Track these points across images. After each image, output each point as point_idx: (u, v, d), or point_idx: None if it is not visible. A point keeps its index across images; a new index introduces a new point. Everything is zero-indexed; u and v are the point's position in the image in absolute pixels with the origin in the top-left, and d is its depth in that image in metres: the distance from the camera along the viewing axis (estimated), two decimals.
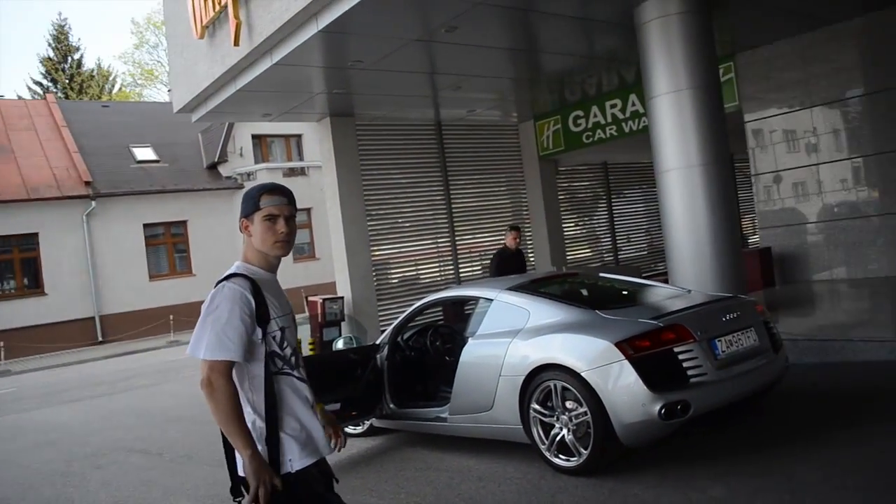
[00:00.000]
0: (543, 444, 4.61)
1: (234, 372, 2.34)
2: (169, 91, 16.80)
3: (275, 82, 9.62)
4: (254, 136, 25.11)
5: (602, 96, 13.32)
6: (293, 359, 2.47)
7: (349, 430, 6.23)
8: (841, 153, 10.82)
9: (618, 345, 4.22)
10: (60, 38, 39.56)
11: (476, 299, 5.55)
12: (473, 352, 5.14)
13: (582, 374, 4.31)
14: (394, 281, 13.09)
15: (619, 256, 17.00)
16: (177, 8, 10.68)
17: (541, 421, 4.63)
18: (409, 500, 4.48)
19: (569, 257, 15.50)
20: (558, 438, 4.52)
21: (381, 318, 12.32)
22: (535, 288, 5.36)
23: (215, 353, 2.29)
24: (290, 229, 2.48)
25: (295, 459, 2.36)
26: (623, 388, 4.17)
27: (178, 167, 24.37)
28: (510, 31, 9.02)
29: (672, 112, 8.22)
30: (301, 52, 8.44)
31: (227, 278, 2.40)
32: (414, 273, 13.54)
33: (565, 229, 15.56)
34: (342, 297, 11.49)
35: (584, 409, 4.33)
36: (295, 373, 2.46)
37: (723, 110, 8.52)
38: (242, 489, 2.35)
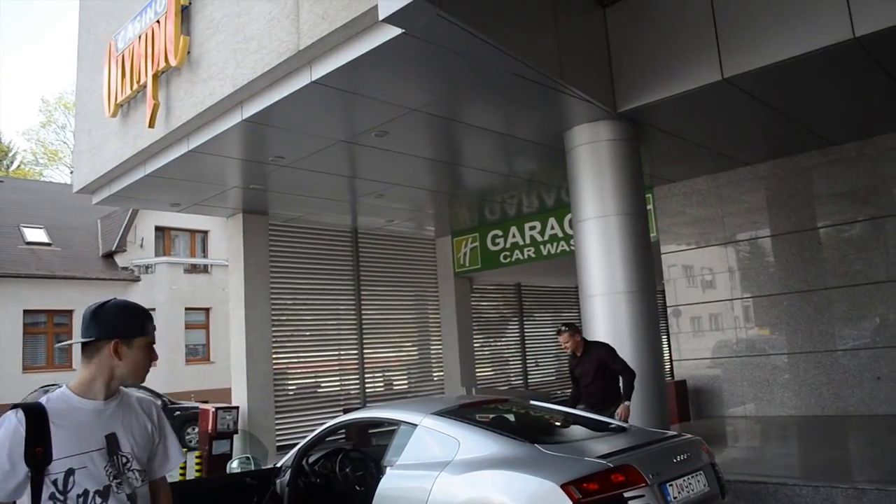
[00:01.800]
0: None
1: None
2: (71, 173, 15.87)
3: (188, 170, 9.06)
4: (157, 228, 23.99)
5: (522, 217, 13.33)
6: (84, 502, 2.15)
7: None
8: (752, 290, 11.01)
9: (564, 486, 3.70)
10: None
11: (397, 423, 4.93)
12: (393, 483, 4.49)
13: None
14: (294, 390, 12.25)
15: (529, 380, 16.66)
16: (90, 81, 10.10)
17: None
18: None
19: (478, 378, 15.03)
20: None
21: (277, 433, 11.41)
22: (465, 413, 4.81)
23: None
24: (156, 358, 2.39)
25: None
26: None
27: (71, 252, 22.89)
28: (438, 142, 8.85)
29: (599, 237, 8.09)
30: (220, 140, 7.98)
31: (14, 408, 2.18)
32: (316, 384, 12.75)
33: (476, 349, 15.17)
34: (237, 408, 10.54)
35: None
36: None
37: (649, 238, 8.47)
38: None
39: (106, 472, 2.20)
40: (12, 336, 20.65)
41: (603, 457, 3.98)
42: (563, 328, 7.26)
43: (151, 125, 8.26)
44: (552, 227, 12.92)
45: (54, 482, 2.11)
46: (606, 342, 7.34)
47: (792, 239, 10.63)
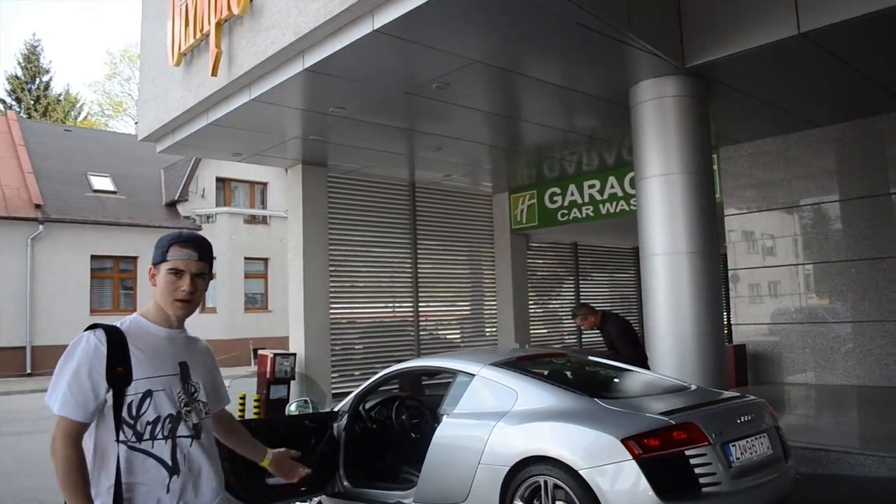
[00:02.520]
0: None
1: (86, 437, 2.13)
2: (136, 123, 16.16)
3: (249, 120, 9.11)
4: (218, 179, 24.43)
5: (581, 175, 13.11)
6: (153, 430, 2.15)
7: None
8: (818, 256, 10.67)
9: (624, 441, 3.67)
10: (31, 59, 38.78)
11: (454, 372, 4.94)
12: (449, 432, 4.52)
13: (580, 471, 3.73)
14: (350, 343, 12.42)
15: (583, 339, 16.57)
16: (155, 31, 10.17)
17: None
18: None
19: (531, 336, 15.01)
20: None
21: (333, 381, 11.61)
22: (522, 365, 4.79)
23: (61, 407, 2.09)
24: (195, 288, 2.26)
25: None
26: (628, 493, 3.60)
27: (135, 201, 23.50)
28: (498, 95, 8.68)
29: (662, 195, 7.89)
30: (282, 90, 7.97)
31: (92, 328, 2.19)
32: (371, 337, 12.89)
33: (530, 307, 15.11)
34: (294, 355, 10.75)
35: None
36: (150, 448, 2.14)
37: (713, 198, 8.24)
38: None
39: (178, 399, 2.21)
40: (80, 280, 21.43)
41: (665, 413, 3.93)
42: (576, 311, 7.32)
43: (214, 74, 8.29)
44: (612, 186, 12.68)
45: (129, 405, 2.11)
46: (620, 316, 7.35)
47: (863, 204, 10.23)
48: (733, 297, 11.62)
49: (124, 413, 2.10)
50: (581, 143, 10.97)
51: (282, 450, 2.87)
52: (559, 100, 8.78)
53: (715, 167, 11.30)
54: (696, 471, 3.70)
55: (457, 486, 4.31)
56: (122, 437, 2.09)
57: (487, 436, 4.23)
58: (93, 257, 21.81)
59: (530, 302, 15.09)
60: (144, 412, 2.13)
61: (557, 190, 13.57)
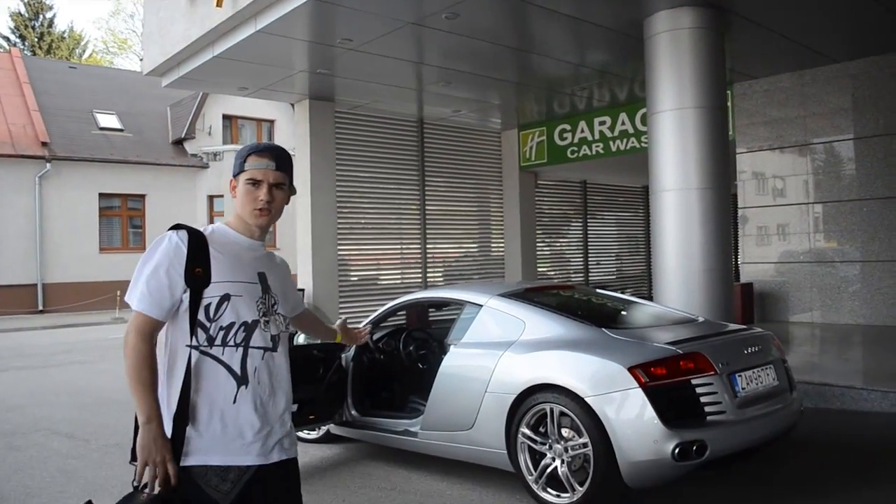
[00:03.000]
0: (531, 474, 4.03)
1: (160, 335, 2.12)
2: (141, 60, 15.94)
3: (256, 53, 8.96)
4: (225, 116, 24.22)
5: (591, 112, 12.92)
6: (225, 335, 2.10)
7: (303, 434, 5.60)
8: (829, 195, 10.57)
9: (631, 370, 3.68)
10: None
11: (462, 303, 4.95)
12: (457, 361, 4.55)
13: (586, 399, 3.76)
14: (356, 279, 12.46)
15: (590, 278, 16.60)
16: None
17: (530, 448, 4.06)
18: None
19: (539, 274, 15.04)
20: (549, 470, 3.95)
21: (340, 316, 11.68)
22: (530, 296, 4.79)
23: (139, 303, 2.07)
24: (273, 198, 2.22)
25: (192, 454, 2.06)
26: (634, 421, 3.63)
27: (142, 138, 23.38)
28: (509, 26, 8.48)
29: (674, 130, 7.78)
30: (289, 21, 7.81)
31: (173, 228, 2.17)
32: (379, 274, 12.93)
33: (538, 245, 15.10)
34: (303, 290, 10.83)
35: (585, 439, 3.77)
36: (220, 354, 2.09)
37: (727, 134, 8.12)
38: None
39: (257, 307, 2.17)
40: (89, 218, 21.49)
41: (672, 343, 3.93)
42: None
43: (219, 5, 8.13)
44: (623, 123, 12.51)
45: (205, 307, 2.08)
46: None
47: (878, 143, 10.08)
48: (742, 237, 11.57)
49: (200, 315, 2.08)
50: (592, 77, 10.78)
51: (340, 321, 3.22)
52: (572, 32, 8.60)
53: (728, 104, 11.14)
54: (702, 400, 3.72)
55: (463, 414, 4.36)
56: (194, 342, 2.07)
57: (495, 365, 4.25)
58: (101, 195, 21.82)
59: (538, 240, 15.07)
60: (220, 316, 2.09)
61: (567, 127, 13.40)
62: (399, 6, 7.62)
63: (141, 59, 16.48)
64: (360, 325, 5.34)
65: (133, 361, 2.03)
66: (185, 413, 2.03)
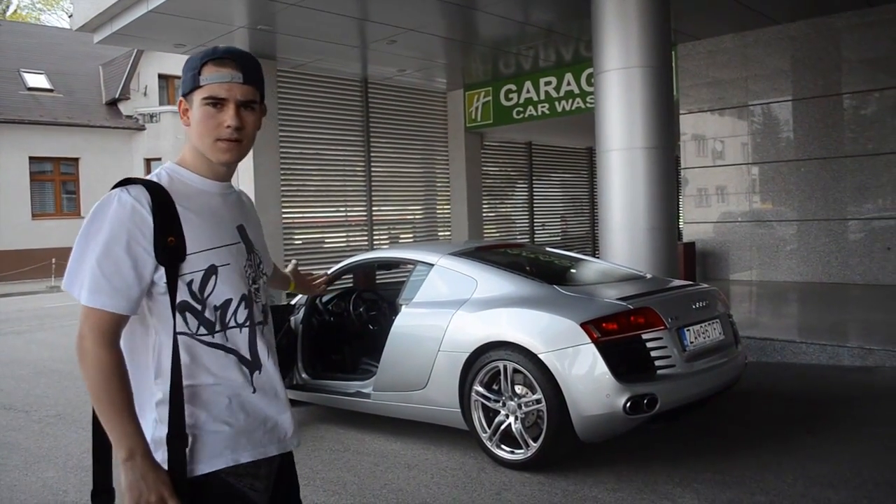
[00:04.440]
0: (485, 432, 4.04)
1: (126, 331, 1.58)
2: (70, 16, 15.20)
3: (192, 7, 8.62)
4: (161, 76, 23.37)
5: (537, 72, 12.87)
6: (223, 317, 1.64)
7: None
8: (770, 156, 10.80)
9: (583, 326, 3.69)
10: None
11: (413, 263, 4.90)
12: (408, 321, 4.51)
13: (539, 355, 3.77)
14: (301, 243, 12.28)
15: (535, 240, 16.71)
16: None
17: (483, 406, 4.06)
18: (328, 489, 3.83)
19: (485, 236, 15.07)
20: (503, 427, 3.96)
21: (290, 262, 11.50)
22: (482, 256, 4.76)
23: (91, 295, 1.52)
24: (243, 122, 1.65)
25: (204, 460, 1.59)
26: (586, 376, 3.65)
27: (73, 99, 22.43)
28: None
29: (620, 90, 7.77)
30: None
31: (121, 185, 1.60)
32: (324, 237, 12.77)
33: (484, 207, 15.10)
34: None
35: (538, 395, 3.78)
36: (225, 341, 1.64)
37: (672, 93, 8.17)
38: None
39: (246, 274, 1.72)
40: (19, 184, 20.62)
41: (623, 299, 3.96)
42: None
43: None
44: (568, 84, 12.50)
45: (189, 284, 1.60)
46: None
47: (816, 104, 10.30)
48: (683, 197, 11.77)
49: (184, 295, 1.59)
50: (538, 36, 10.71)
51: (291, 266, 2.57)
52: None
53: (672, 64, 11.23)
54: (652, 354, 3.77)
55: (416, 374, 4.34)
56: (183, 329, 1.60)
57: (447, 324, 4.23)
58: (31, 159, 20.92)
59: (484, 202, 15.06)
60: (211, 293, 1.62)
61: (513, 87, 13.34)
62: None
63: (70, 16, 15.76)
64: (317, 274, 5.26)
65: (96, 377, 1.51)
66: (180, 424, 1.56)
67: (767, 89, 10.73)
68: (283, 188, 11.60)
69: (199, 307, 1.61)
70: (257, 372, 1.69)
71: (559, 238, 17.72)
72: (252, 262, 1.75)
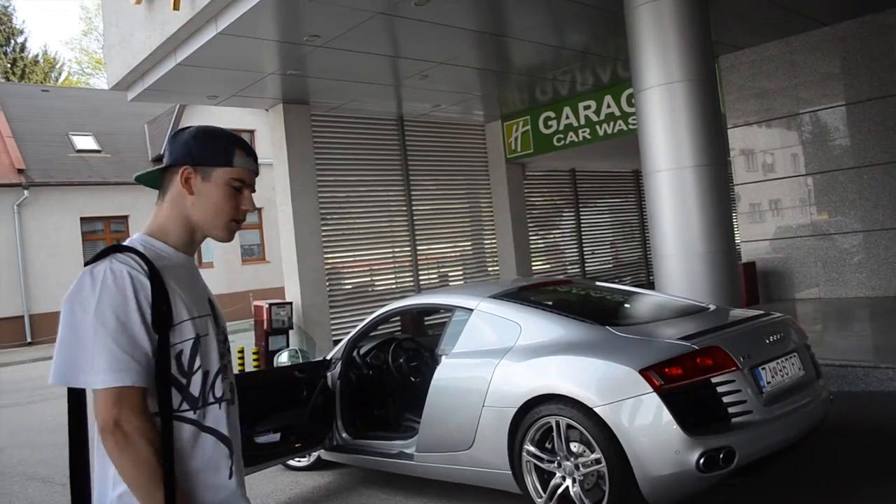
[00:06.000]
0: (540, 496, 3.61)
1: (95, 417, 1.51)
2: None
3: (220, 57, 8.53)
4: None
5: (575, 96, 12.53)
6: (205, 392, 1.57)
7: (292, 462, 5.19)
8: (828, 165, 10.21)
9: (643, 372, 3.27)
10: (3, 20, 37.52)
11: (451, 308, 4.53)
12: (449, 374, 4.13)
13: (595, 409, 3.35)
14: (348, 288, 12.03)
15: (586, 269, 16.20)
16: None
17: (537, 467, 3.64)
18: None
19: (534, 269, 14.64)
20: (560, 491, 3.54)
21: (332, 328, 11.26)
22: (524, 296, 4.37)
23: (116, 377, 1.43)
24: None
25: None
26: (650, 430, 3.22)
27: (120, 158, 22.87)
28: (484, 9, 8.08)
29: (663, 107, 7.36)
30: (250, 19, 7.39)
31: (104, 255, 1.54)
32: (370, 280, 12.50)
33: (530, 239, 14.69)
34: (290, 303, 10.40)
35: (597, 454, 3.36)
36: (203, 418, 1.56)
37: (718, 106, 7.72)
38: None
39: (219, 347, 1.66)
40: (72, 243, 20.99)
41: (686, 338, 3.52)
42: None
43: (176, 7, 7.72)
44: (608, 106, 12.11)
45: (178, 356, 1.53)
46: None
47: (874, 106, 9.71)
48: (737, 214, 11.19)
49: (174, 370, 1.52)
50: (573, 60, 10.38)
51: None
52: (549, 11, 8.22)
53: (716, 77, 10.77)
54: (725, 400, 3.32)
55: (461, 432, 3.94)
56: (167, 406, 1.51)
57: (490, 375, 3.84)
58: (82, 219, 21.32)
59: (530, 234, 14.66)
60: (196, 367, 1.56)
61: (552, 114, 13.00)
62: None
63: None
64: (342, 342, 4.94)
65: (144, 455, 1.42)
66: None
67: (819, 95, 10.17)
68: (324, 233, 11.40)
69: (184, 381, 1.54)
70: (233, 454, 1.61)
71: (610, 266, 17.16)
72: (222, 335, 1.70)
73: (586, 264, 16.26)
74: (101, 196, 21.51)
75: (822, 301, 10.03)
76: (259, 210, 23.57)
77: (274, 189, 11.45)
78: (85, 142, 22.93)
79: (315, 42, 8.31)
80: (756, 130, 10.90)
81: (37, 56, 38.94)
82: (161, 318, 1.49)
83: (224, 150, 1.64)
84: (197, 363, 1.55)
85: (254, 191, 1.72)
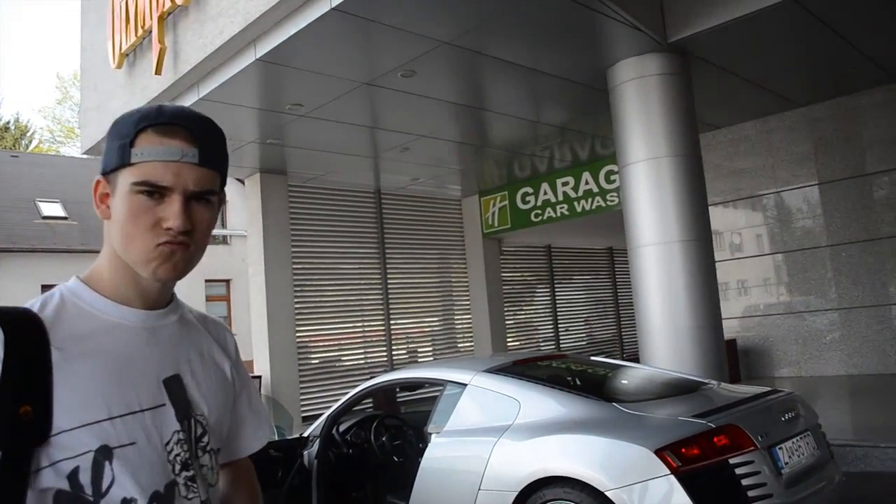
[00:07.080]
0: None
1: None
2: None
3: None
4: None
5: (553, 173, 12.56)
6: None
7: None
8: (805, 242, 10.24)
9: (659, 453, 3.03)
10: None
11: (441, 383, 4.26)
12: (440, 453, 3.83)
13: (606, 492, 3.08)
14: (318, 363, 11.64)
15: (560, 345, 15.97)
16: (95, 36, 9.42)
17: None
18: None
19: (508, 346, 14.37)
20: None
21: (303, 403, 10.84)
22: (522, 371, 4.12)
23: None
24: (194, 223, 1.11)
25: None
26: None
27: (87, 226, 22.41)
28: (467, 83, 8.06)
29: (649, 181, 7.34)
30: (233, 85, 7.27)
31: None
32: (341, 355, 12.12)
33: (506, 315, 14.47)
34: (259, 377, 10.00)
35: None
36: None
37: (703, 181, 7.70)
38: None
39: (169, 456, 1.12)
40: None
41: (699, 416, 3.29)
42: None
43: (158, 72, 7.59)
44: (586, 182, 12.13)
45: (72, 476, 1.02)
46: None
47: (851, 185, 9.82)
48: (719, 290, 11.12)
49: (65, 486, 1.02)
50: (553, 136, 10.41)
51: None
52: (531, 86, 8.22)
53: None
54: (744, 482, 3.08)
55: None
56: None
57: (488, 455, 3.56)
58: (43, 287, 20.67)
59: (505, 310, 14.46)
60: (108, 488, 1.03)
61: (530, 189, 13.00)
62: (349, 65, 7.14)
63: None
64: (321, 419, 4.64)
65: None
66: None
67: (795, 174, 10.28)
68: (297, 305, 11.09)
69: (82, 497, 1.02)
70: None
71: (585, 343, 16.97)
72: (187, 436, 1.15)
73: (561, 341, 16.04)
74: (65, 263, 20.88)
75: (803, 379, 9.89)
76: (227, 282, 23.11)
77: (244, 261, 11.17)
78: (51, 208, 22.49)
79: (297, 111, 8.20)
80: (735, 208, 10.95)
81: (7, 123, 38.69)
82: (18, 424, 0.97)
83: (119, 142, 1.09)
84: (107, 484, 1.03)
85: (201, 198, 1.13)
